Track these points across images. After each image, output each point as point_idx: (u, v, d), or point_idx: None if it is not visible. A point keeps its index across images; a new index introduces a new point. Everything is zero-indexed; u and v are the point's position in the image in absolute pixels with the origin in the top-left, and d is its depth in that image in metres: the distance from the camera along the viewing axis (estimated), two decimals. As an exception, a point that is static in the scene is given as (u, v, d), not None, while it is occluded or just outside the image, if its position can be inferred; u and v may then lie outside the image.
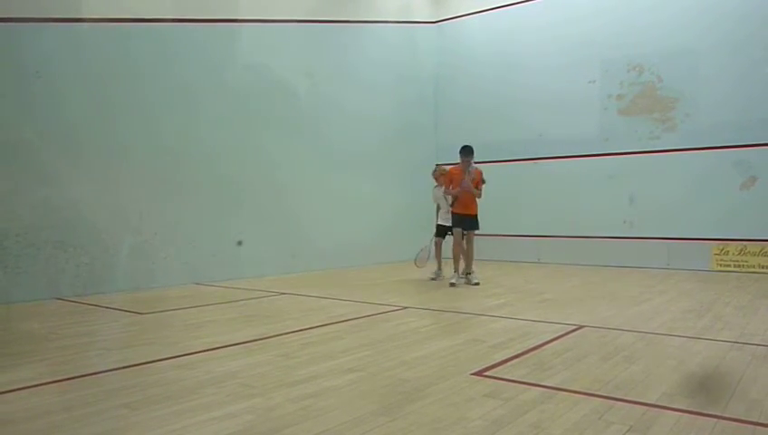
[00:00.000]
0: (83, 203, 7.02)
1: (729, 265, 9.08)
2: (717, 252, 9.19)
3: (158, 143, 7.77)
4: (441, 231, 8.62)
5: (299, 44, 9.69)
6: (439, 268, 8.61)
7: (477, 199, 7.97)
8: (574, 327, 4.91)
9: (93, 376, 3.62)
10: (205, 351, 4.25)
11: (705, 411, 2.86)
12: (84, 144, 7.08)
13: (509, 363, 3.81)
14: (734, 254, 9.05)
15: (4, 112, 6.46)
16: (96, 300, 6.60)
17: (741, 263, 8.99)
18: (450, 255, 7.99)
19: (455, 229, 7.89)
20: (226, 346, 4.40)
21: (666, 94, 9.77)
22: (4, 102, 6.44)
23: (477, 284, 7.72)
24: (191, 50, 8.22)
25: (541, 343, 4.38)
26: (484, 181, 7.97)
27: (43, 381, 3.49)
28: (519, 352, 4.11)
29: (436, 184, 8.66)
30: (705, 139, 9.36)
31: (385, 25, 11.15)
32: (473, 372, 3.60)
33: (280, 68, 9.35)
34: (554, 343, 4.40)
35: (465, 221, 7.89)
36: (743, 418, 2.78)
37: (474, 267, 8.06)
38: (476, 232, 8.07)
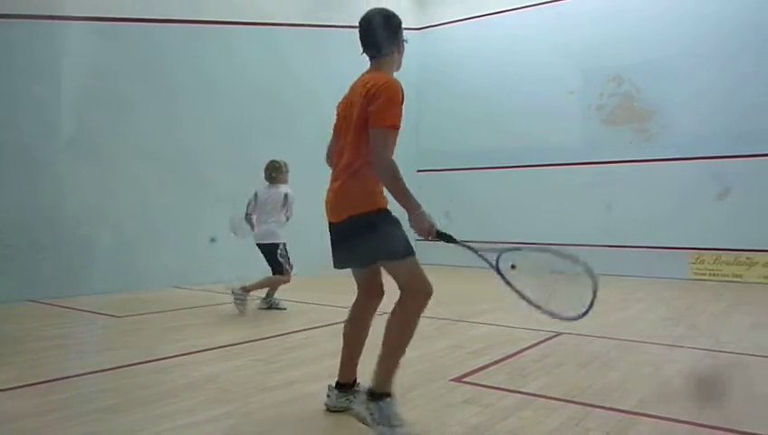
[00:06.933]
0: (60, 203, 6.90)
1: (705, 274, 9.22)
2: (693, 261, 9.33)
3: (138, 143, 7.66)
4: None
5: (286, 48, 9.63)
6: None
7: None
8: (553, 334, 4.94)
9: (68, 380, 3.56)
10: (182, 355, 4.20)
11: (680, 418, 2.90)
12: (60, 143, 6.96)
13: (488, 370, 3.82)
14: (709, 263, 9.19)
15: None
16: (71, 302, 6.49)
17: (716, 272, 9.13)
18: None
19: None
20: (204, 350, 4.36)
21: (642, 106, 9.92)
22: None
23: None
24: (177, 50, 8.15)
25: (520, 349, 4.40)
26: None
27: (17, 384, 3.43)
28: (498, 358, 4.12)
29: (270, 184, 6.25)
30: (680, 150, 9.50)
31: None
32: (452, 378, 3.60)
33: (266, 71, 9.30)
34: (533, 349, 4.42)
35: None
36: (716, 425, 2.82)
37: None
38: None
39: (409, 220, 2.65)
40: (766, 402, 3.17)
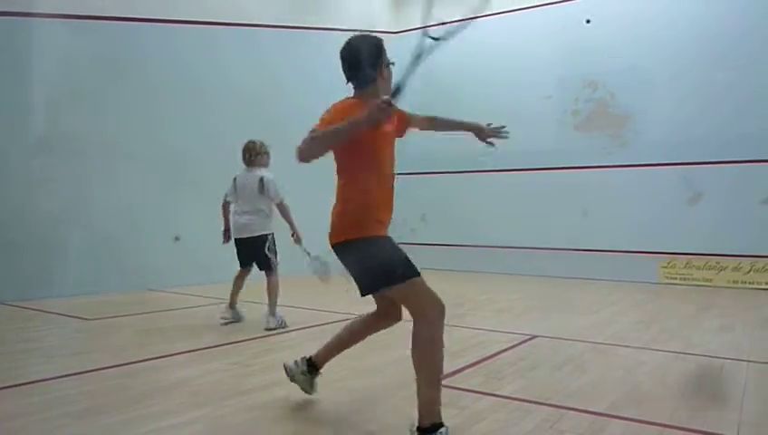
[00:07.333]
0: (29, 203, 6.75)
1: (675, 278, 9.38)
2: (665, 265, 9.48)
3: (117, 142, 7.51)
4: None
5: (267, 49, 9.56)
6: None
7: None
8: (528, 337, 4.98)
9: (35, 384, 3.49)
10: (155, 358, 4.14)
11: (651, 420, 2.94)
12: (37, 142, 6.82)
13: (464, 372, 3.84)
14: (680, 267, 9.36)
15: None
16: (40, 305, 6.35)
17: (686, 276, 9.29)
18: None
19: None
20: (177, 354, 4.30)
21: (617, 111, 10.07)
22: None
23: None
24: (156, 49, 8.04)
25: (495, 352, 4.43)
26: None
27: (-9, 387, 3.36)
28: (474, 361, 4.14)
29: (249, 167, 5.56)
30: (654, 155, 9.66)
31: (345, 34, 11.13)
32: (428, 380, 3.60)
33: (247, 71, 9.21)
34: (508, 352, 4.45)
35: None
36: (686, 426, 2.86)
37: None
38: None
39: (369, 124, 2.54)
40: (735, 404, 3.23)
